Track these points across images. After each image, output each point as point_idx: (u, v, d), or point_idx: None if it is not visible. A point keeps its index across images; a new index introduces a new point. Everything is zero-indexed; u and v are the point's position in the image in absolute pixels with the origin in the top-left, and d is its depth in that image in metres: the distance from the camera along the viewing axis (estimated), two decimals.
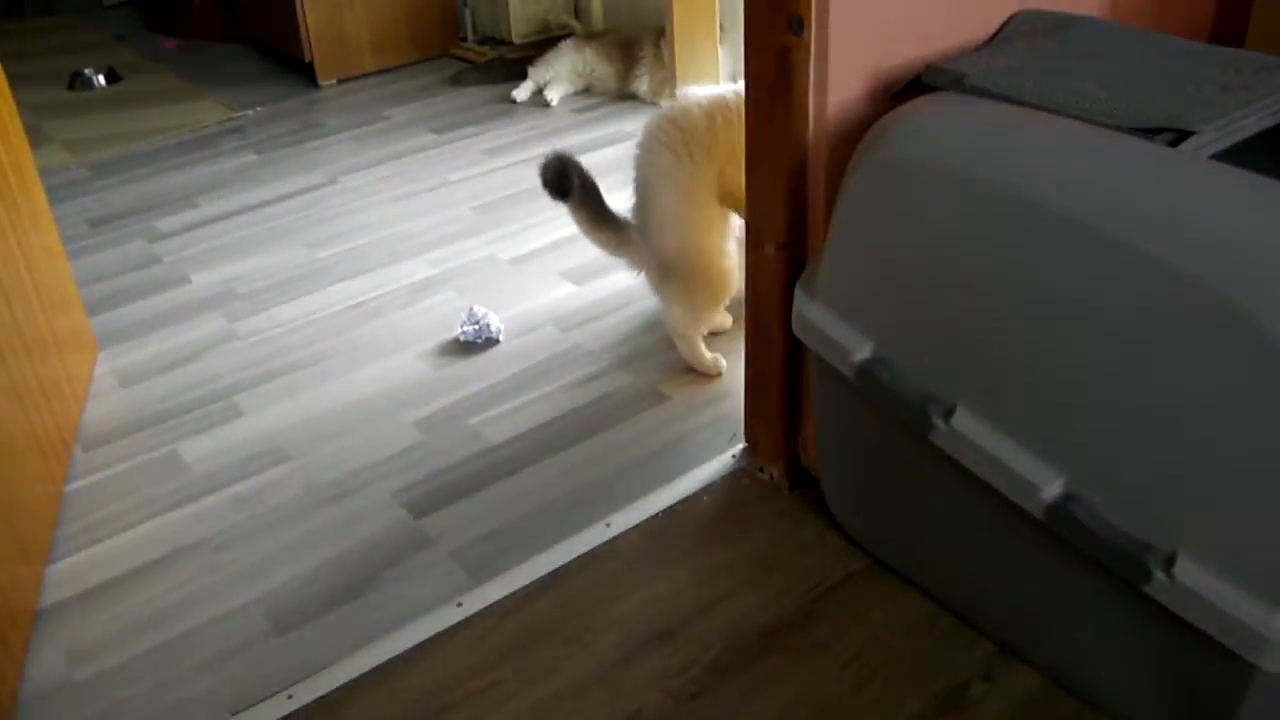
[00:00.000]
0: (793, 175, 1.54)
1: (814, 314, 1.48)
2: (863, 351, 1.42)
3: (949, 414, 1.33)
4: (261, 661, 1.51)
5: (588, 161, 2.01)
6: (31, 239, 2.02)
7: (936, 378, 1.36)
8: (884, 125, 1.38)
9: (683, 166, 1.91)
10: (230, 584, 1.65)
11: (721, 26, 3.22)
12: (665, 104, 3.49)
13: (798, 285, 1.53)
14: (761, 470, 1.82)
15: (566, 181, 1.98)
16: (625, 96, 3.65)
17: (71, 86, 4.23)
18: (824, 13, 1.41)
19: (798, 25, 1.43)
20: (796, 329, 1.52)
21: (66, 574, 1.70)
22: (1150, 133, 1.23)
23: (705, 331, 2.11)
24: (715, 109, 1.91)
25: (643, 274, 2.06)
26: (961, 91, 1.38)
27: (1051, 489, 1.24)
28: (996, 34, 1.59)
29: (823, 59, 1.45)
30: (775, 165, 1.56)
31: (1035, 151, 1.26)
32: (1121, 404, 1.15)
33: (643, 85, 3.59)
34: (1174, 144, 1.21)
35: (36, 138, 2.02)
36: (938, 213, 1.30)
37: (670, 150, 1.92)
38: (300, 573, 1.66)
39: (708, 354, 2.06)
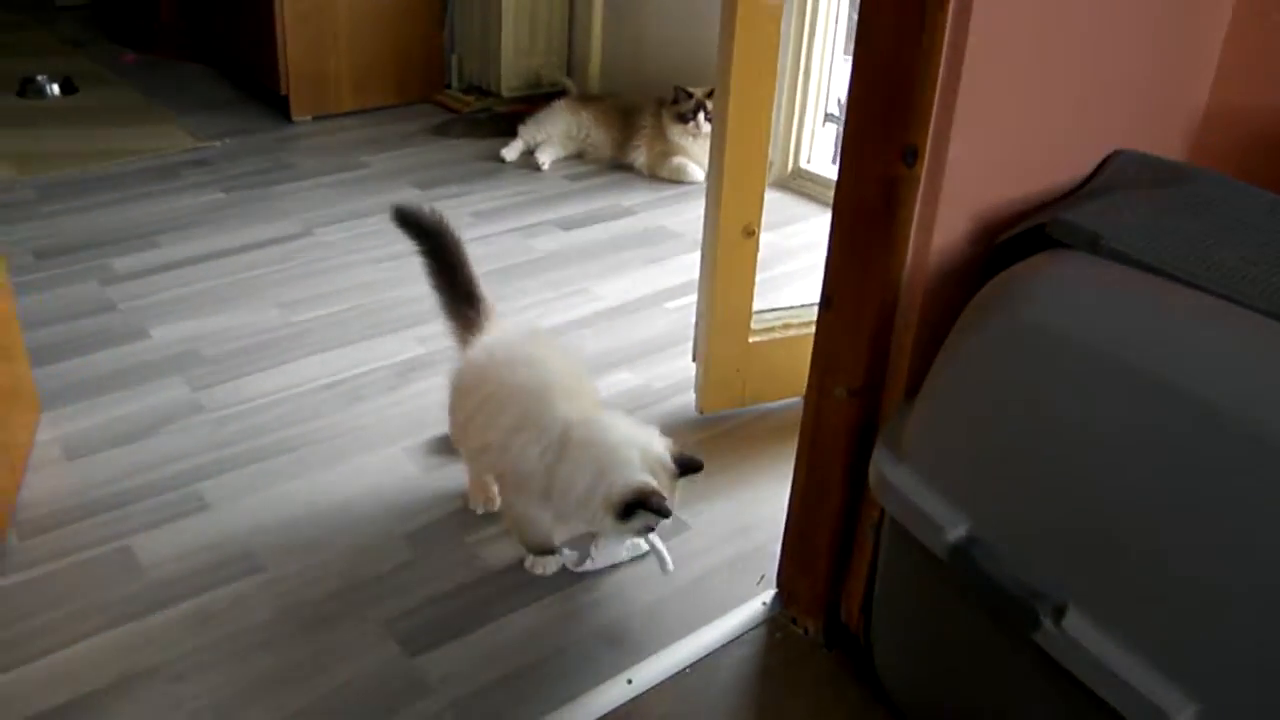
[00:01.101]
0: (880, 316, 1.38)
1: (900, 478, 1.31)
2: (957, 530, 1.26)
3: (1060, 614, 1.17)
4: None
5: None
6: None
7: (1044, 570, 1.19)
8: (1012, 283, 1.22)
9: None
10: None
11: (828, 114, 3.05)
12: (664, 176, 3.37)
13: (879, 441, 1.37)
14: (795, 623, 1.64)
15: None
16: (620, 167, 3.49)
17: (22, 93, 3.95)
18: (941, 146, 1.27)
19: (911, 157, 1.28)
20: (876, 491, 1.35)
21: None
22: None
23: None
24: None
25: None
26: (1094, 252, 1.23)
27: (1182, 717, 1.08)
28: (1096, 175, 1.46)
29: (932, 195, 1.30)
30: (860, 303, 1.40)
31: (1185, 335, 1.12)
32: (1267, 623, 1.00)
33: (640, 157, 3.43)
34: None
35: None
36: (1069, 388, 1.15)
37: None
38: (276, 719, 1.43)
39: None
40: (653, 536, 1.65)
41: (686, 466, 1.58)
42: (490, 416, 1.63)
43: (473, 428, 1.68)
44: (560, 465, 1.55)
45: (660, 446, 1.58)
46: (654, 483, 1.53)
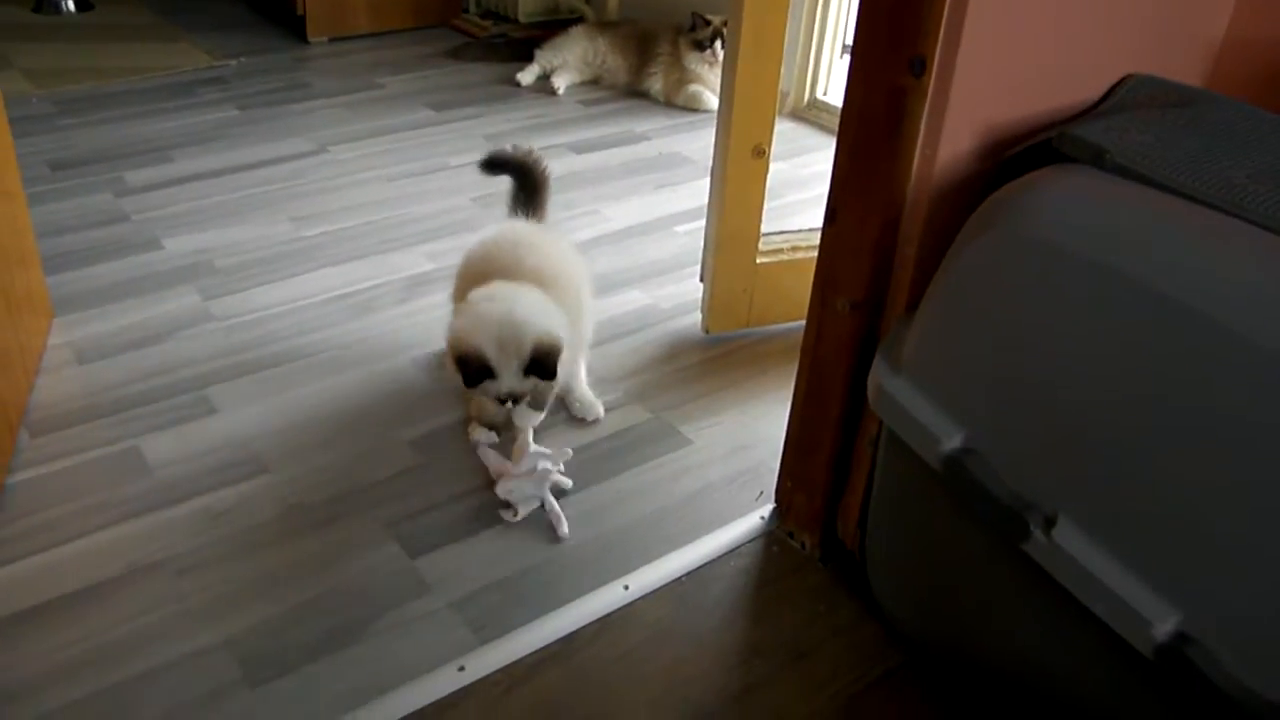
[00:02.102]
0: (884, 229, 1.38)
1: (897, 390, 1.32)
2: (953, 440, 1.27)
3: (1050, 524, 1.18)
4: (229, 718, 1.31)
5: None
6: None
7: (1037, 481, 1.20)
8: (1012, 196, 1.22)
9: None
10: (196, 618, 1.45)
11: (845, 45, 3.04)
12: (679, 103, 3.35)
13: (878, 354, 1.37)
14: (792, 537, 1.66)
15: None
16: (636, 93, 3.46)
17: (38, 9, 3.94)
18: (950, 57, 1.25)
19: (919, 67, 1.27)
20: (874, 403, 1.36)
21: (0, 587, 1.48)
22: None
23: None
24: None
25: None
26: (1100, 168, 1.22)
27: (1164, 626, 1.10)
28: (1108, 96, 1.44)
29: (939, 107, 1.29)
30: (864, 216, 1.39)
31: (1185, 249, 1.11)
32: (1252, 537, 1.01)
33: (656, 84, 3.41)
34: None
35: None
36: (1067, 301, 1.14)
37: None
38: (278, 612, 1.46)
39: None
40: (548, 496, 1.66)
41: (533, 364, 1.59)
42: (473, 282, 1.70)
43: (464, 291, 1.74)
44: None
45: (532, 334, 1.58)
46: (484, 350, 1.57)
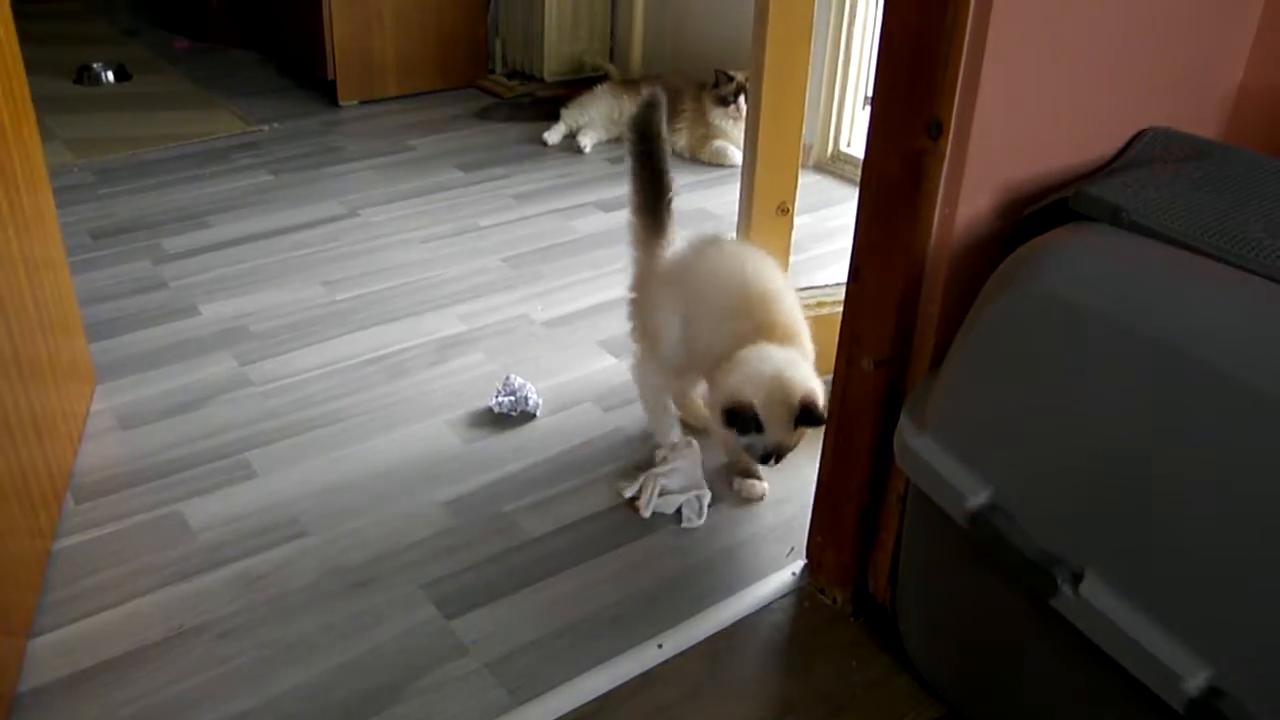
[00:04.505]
0: (906, 289, 1.40)
1: (923, 448, 1.34)
2: (979, 497, 1.28)
3: (1078, 580, 1.19)
4: None
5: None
6: (35, 245, 1.83)
7: (1064, 537, 1.21)
8: (1032, 254, 1.24)
9: None
10: (236, 682, 1.48)
11: (868, 97, 3.09)
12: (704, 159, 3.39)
13: (904, 412, 1.39)
14: (823, 592, 1.67)
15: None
16: None
17: (79, 80, 4.06)
18: (966, 120, 1.28)
19: (936, 130, 1.30)
20: (900, 461, 1.38)
21: (51, 651, 1.52)
22: None
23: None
24: None
25: None
26: (1117, 225, 1.25)
27: (1195, 681, 1.10)
28: (1125, 151, 1.47)
29: (957, 168, 1.31)
30: (887, 276, 1.42)
31: (1203, 305, 1.13)
32: (1277, 587, 1.01)
33: (681, 140, 3.46)
34: None
35: (38, 132, 1.86)
36: (1088, 358, 1.16)
37: None
38: (316, 675, 1.49)
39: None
40: (701, 491, 1.83)
41: (805, 415, 1.69)
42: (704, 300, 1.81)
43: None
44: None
45: (799, 387, 1.70)
46: (754, 402, 1.68)
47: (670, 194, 1.91)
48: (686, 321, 1.83)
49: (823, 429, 1.62)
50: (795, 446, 1.77)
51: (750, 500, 1.88)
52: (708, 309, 1.81)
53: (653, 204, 1.91)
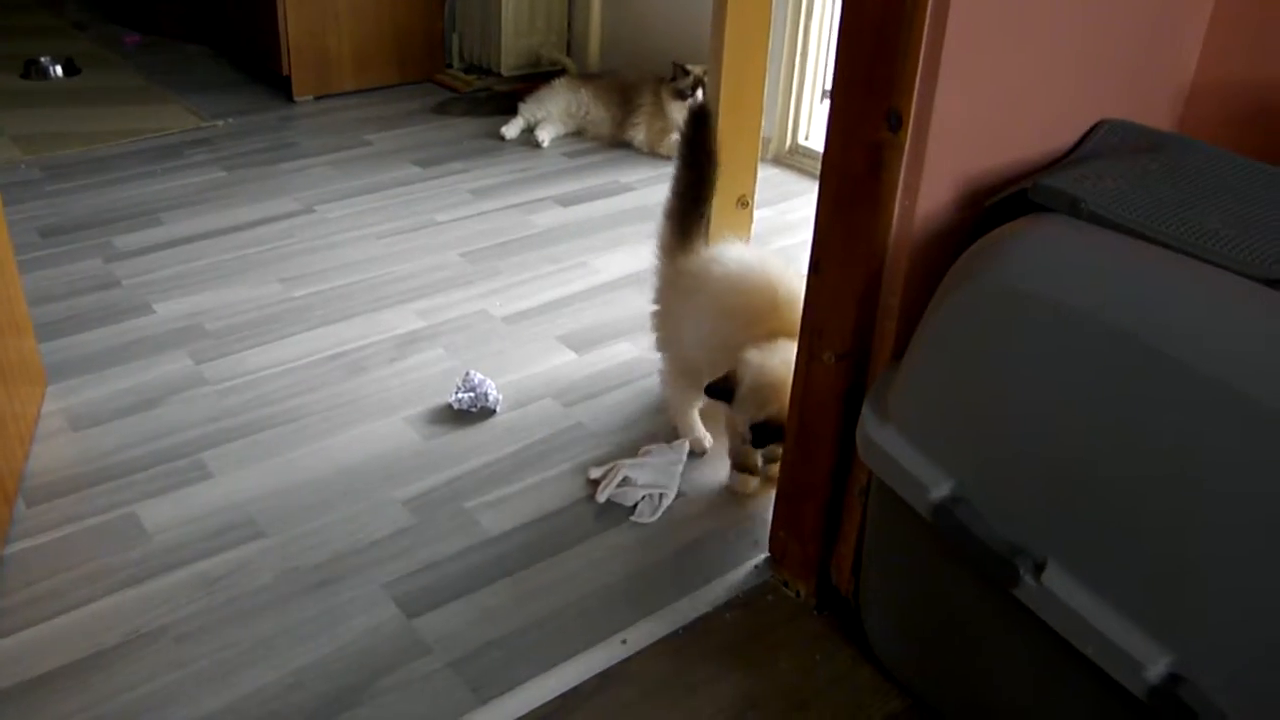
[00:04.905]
0: (867, 281, 1.41)
1: (885, 440, 1.34)
2: (941, 489, 1.29)
3: (1039, 569, 1.20)
4: None
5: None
6: None
7: (1025, 527, 1.22)
8: (989, 247, 1.25)
9: None
10: (195, 685, 1.45)
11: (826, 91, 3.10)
12: (663, 154, 3.39)
13: (866, 404, 1.39)
14: (786, 586, 1.67)
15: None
16: (620, 144, 3.51)
17: (26, 75, 3.97)
18: (925, 111, 1.29)
19: (896, 122, 1.31)
20: (863, 453, 1.38)
21: (5, 658, 1.49)
22: None
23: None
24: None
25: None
26: (1075, 216, 1.26)
27: (1156, 667, 1.11)
28: (1082, 144, 1.48)
29: (917, 160, 1.32)
30: (847, 269, 1.42)
31: (1161, 296, 1.14)
32: (1240, 576, 1.02)
33: (639, 135, 3.45)
34: None
35: None
36: (1047, 349, 1.17)
37: None
38: (277, 677, 1.47)
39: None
40: (672, 488, 1.84)
41: (759, 434, 1.70)
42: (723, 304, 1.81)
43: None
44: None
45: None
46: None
47: (707, 208, 1.90)
48: (712, 329, 1.82)
49: None
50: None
51: (742, 494, 1.88)
52: (733, 315, 1.80)
53: (686, 211, 1.90)
